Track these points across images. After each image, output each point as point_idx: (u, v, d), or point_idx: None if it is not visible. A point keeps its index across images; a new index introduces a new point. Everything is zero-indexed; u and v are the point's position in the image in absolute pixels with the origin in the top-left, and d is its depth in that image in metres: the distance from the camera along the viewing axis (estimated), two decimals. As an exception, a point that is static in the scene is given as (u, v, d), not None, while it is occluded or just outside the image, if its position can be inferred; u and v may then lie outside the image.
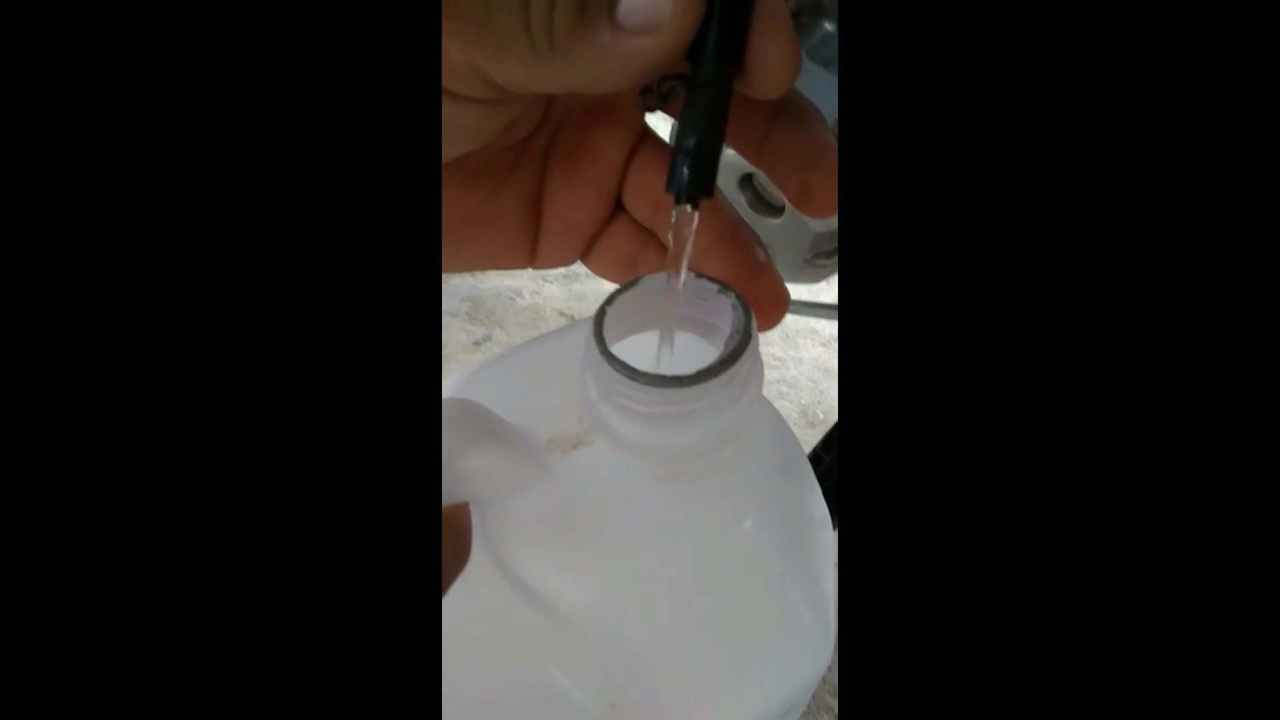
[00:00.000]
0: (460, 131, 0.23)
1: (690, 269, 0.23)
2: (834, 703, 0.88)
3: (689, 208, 0.22)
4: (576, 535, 0.24)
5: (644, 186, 0.27)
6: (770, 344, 1.27)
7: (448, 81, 0.21)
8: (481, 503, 0.24)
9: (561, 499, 0.24)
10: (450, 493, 0.22)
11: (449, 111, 0.22)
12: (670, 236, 0.22)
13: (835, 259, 0.72)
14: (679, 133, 0.22)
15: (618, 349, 0.22)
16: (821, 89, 0.63)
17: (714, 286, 0.23)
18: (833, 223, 0.68)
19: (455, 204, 0.26)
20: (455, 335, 1.36)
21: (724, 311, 0.23)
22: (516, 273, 1.37)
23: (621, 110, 0.27)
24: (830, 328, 1.31)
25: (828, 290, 1.20)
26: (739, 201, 0.70)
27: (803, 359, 1.30)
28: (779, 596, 0.25)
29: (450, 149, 0.23)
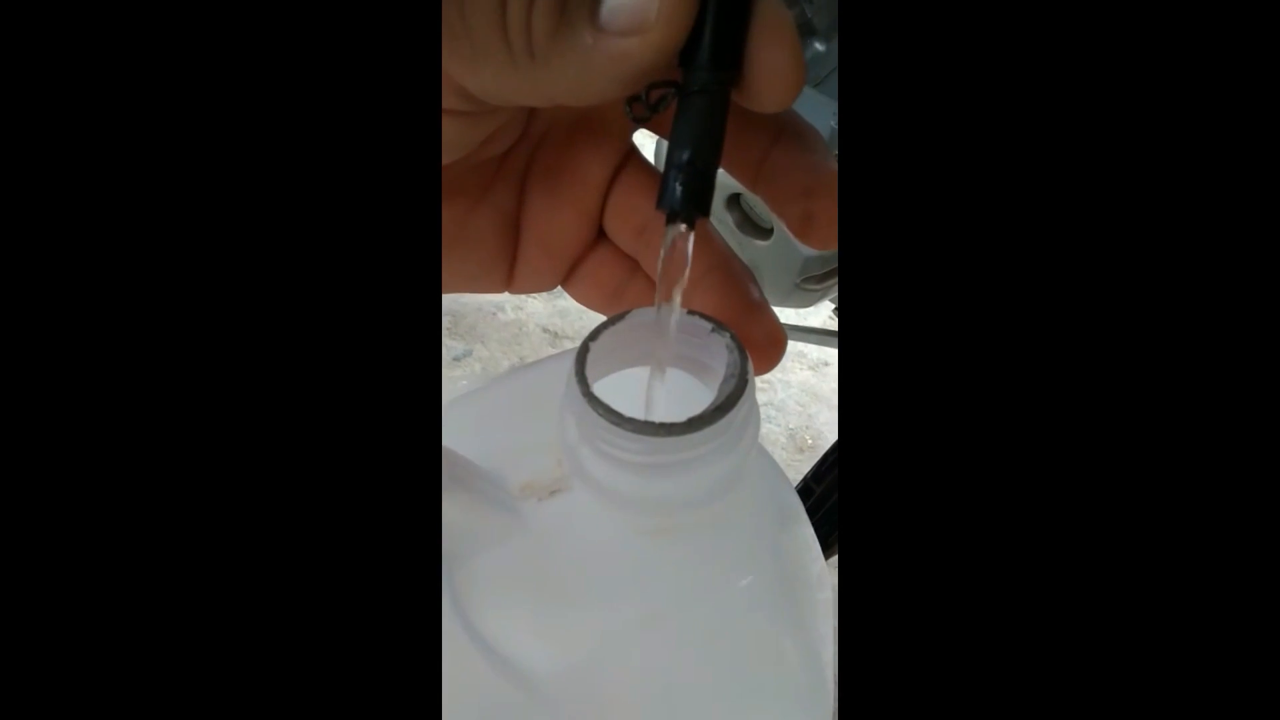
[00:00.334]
0: None
1: (680, 305, 0.22)
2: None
3: (683, 228, 0.21)
4: (553, 595, 0.23)
5: (627, 210, 0.26)
6: (756, 365, 1.26)
7: None
8: (446, 557, 0.23)
9: (537, 554, 0.23)
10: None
11: None
12: (660, 262, 0.21)
13: (826, 283, 0.71)
14: (671, 146, 0.20)
15: (603, 384, 0.22)
16: (812, 111, 0.62)
17: (707, 325, 0.22)
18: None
19: None
20: (434, 351, 1.34)
21: (718, 352, 0.22)
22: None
23: (606, 126, 0.26)
24: (818, 352, 1.32)
25: (815, 314, 1.21)
26: (725, 222, 0.69)
27: (790, 382, 1.31)
28: (776, 666, 0.24)
29: None
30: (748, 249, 0.69)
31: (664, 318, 0.22)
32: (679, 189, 0.20)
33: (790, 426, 1.24)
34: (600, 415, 0.20)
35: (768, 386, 1.28)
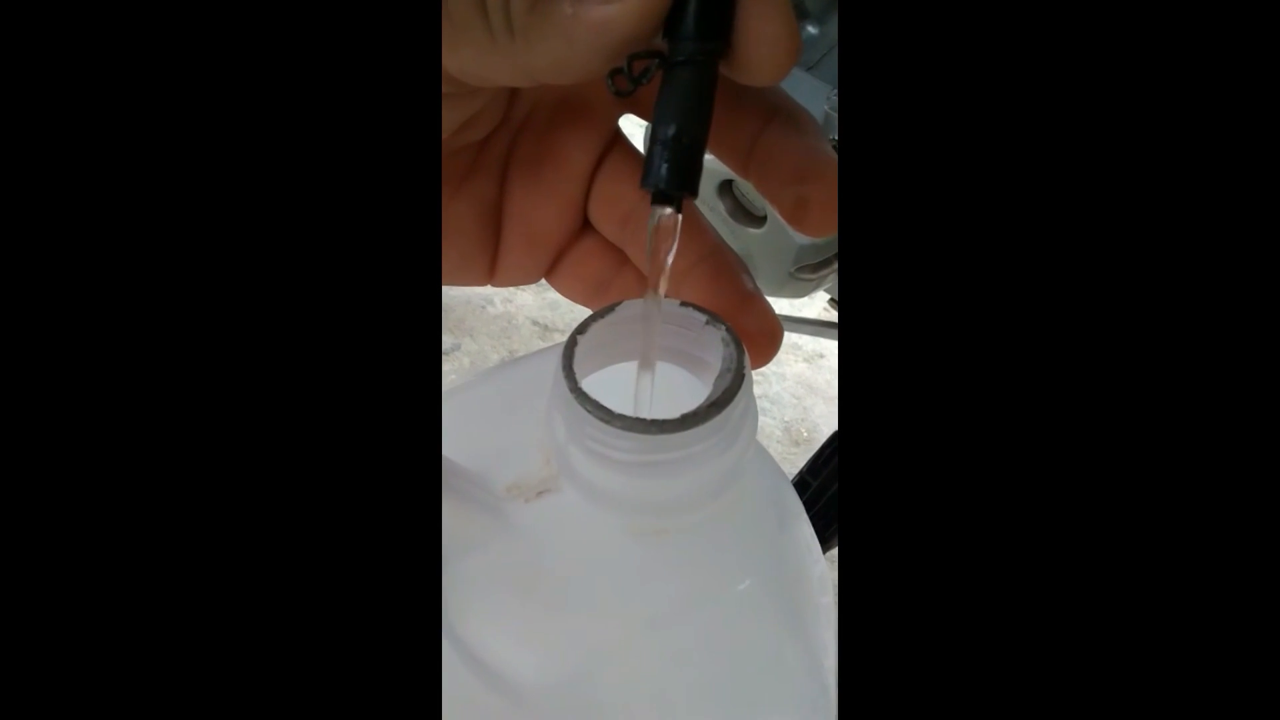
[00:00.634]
0: None
1: (670, 295, 0.21)
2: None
3: (669, 210, 0.20)
4: (540, 601, 0.22)
5: (613, 197, 0.25)
6: (749, 357, 1.27)
7: None
8: (430, 563, 0.22)
9: (523, 558, 0.23)
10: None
11: None
12: (648, 249, 0.20)
13: (821, 272, 0.71)
14: (655, 121, 0.19)
15: (592, 380, 0.21)
16: (804, 95, 0.62)
17: (701, 317, 0.21)
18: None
19: None
20: (424, 345, 1.34)
21: (713, 345, 0.21)
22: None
23: (591, 110, 0.25)
24: (814, 343, 1.32)
25: (810, 304, 1.21)
26: (718, 210, 0.69)
27: (785, 375, 1.31)
28: (776, 675, 0.23)
29: None
30: (740, 237, 0.69)
31: (653, 305, 0.21)
32: (664, 166, 0.19)
33: (785, 419, 1.24)
34: (589, 412, 0.20)
35: (762, 379, 1.28)
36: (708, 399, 0.20)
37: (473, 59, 0.19)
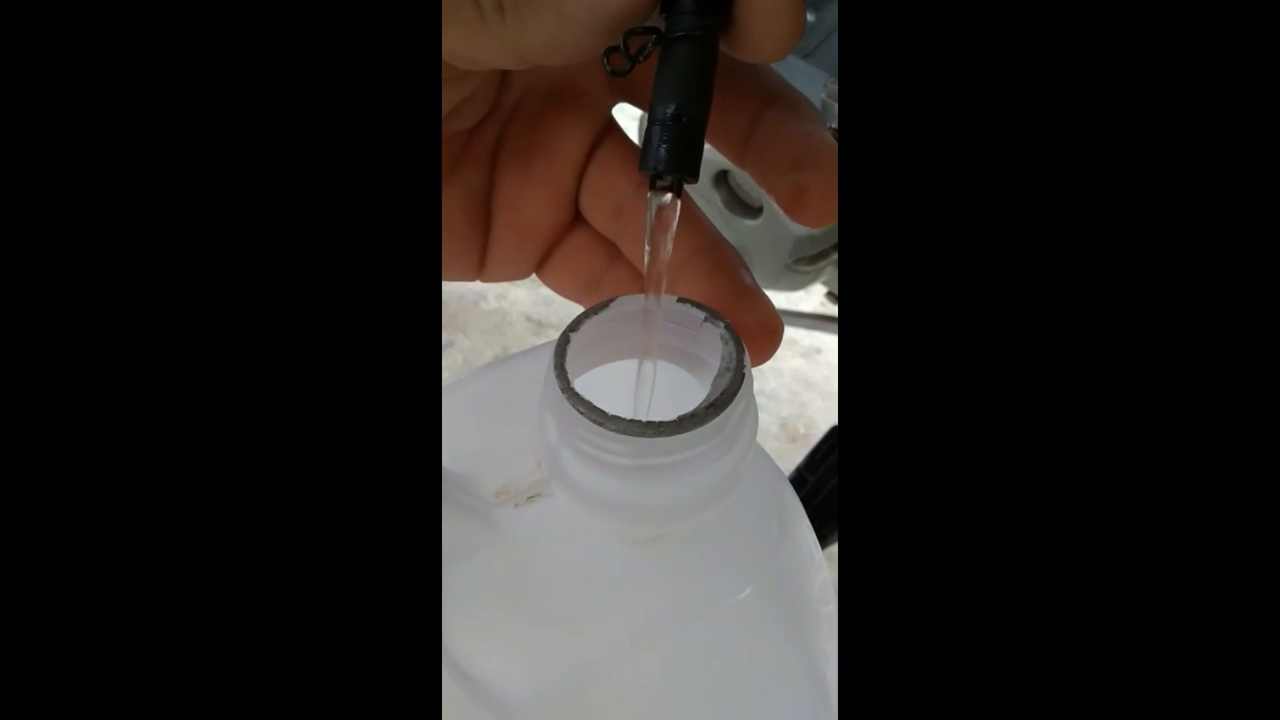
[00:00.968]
0: None
1: (665, 290, 0.21)
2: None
3: (668, 196, 0.19)
4: (531, 611, 0.22)
5: (605, 188, 0.25)
6: (746, 352, 1.29)
7: None
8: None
9: (513, 566, 0.22)
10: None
11: None
12: (646, 237, 0.20)
13: (817, 265, 0.70)
14: (654, 101, 0.19)
15: (586, 379, 0.21)
16: (801, 83, 0.61)
17: (700, 313, 0.21)
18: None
19: None
20: (416, 341, 1.35)
21: (711, 343, 0.21)
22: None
23: (583, 96, 0.24)
24: (810, 338, 1.32)
25: (807, 298, 1.21)
26: (713, 201, 0.69)
27: (782, 370, 1.31)
28: (777, 688, 0.23)
29: None
30: (736, 229, 0.69)
31: (651, 302, 0.21)
32: (663, 147, 0.19)
33: (782, 415, 1.25)
34: (582, 413, 0.19)
35: (759, 375, 1.28)
36: (706, 399, 0.19)
37: (462, 40, 0.19)
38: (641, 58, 0.19)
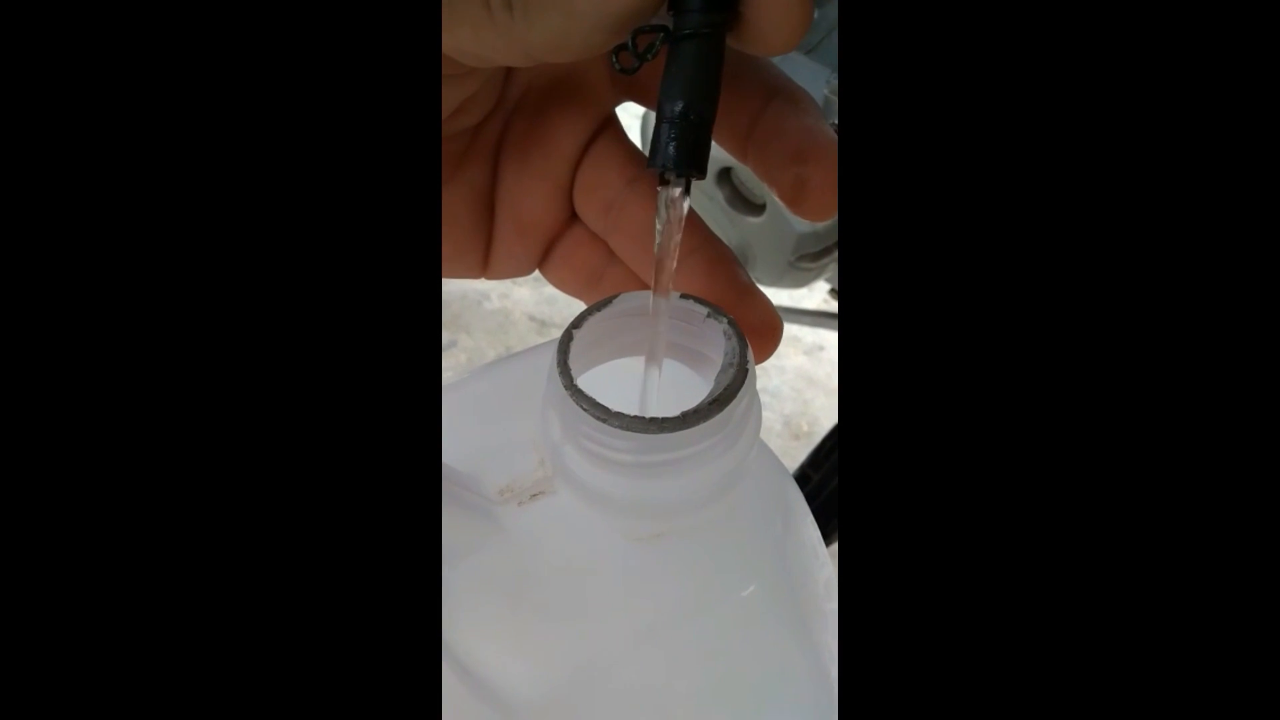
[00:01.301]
0: None
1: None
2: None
3: (677, 192, 0.19)
4: (534, 609, 0.22)
5: (596, 184, 0.25)
6: (749, 350, 1.29)
7: None
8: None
9: (516, 563, 0.22)
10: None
11: None
12: (656, 234, 0.20)
13: (821, 262, 0.70)
14: (662, 98, 0.19)
15: (589, 376, 0.21)
16: (803, 79, 0.61)
17: (702, 310, 0.21)
18: (818, 223, 0.66)
19: None
20: (419, 341, 1.35)
21: (714, 339, 0.21)
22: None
23: (584, 92, 0.24)
24: (813, 335, 1.32)
25: (810, 296, 1.21)
26: (716, 198, 0.68)
27: (785, 368, 1.31)
28: (781, 684, 0.23)
29: None
30: (739, 226, 0.69)
31: (658, 299, 0.21)
32: (671, 145, 0.19)
33: (785, 413, 1.24)
34: (585, 410, 0.19)
35: (762, 372, 1.28)
36: (709, 395, 0.19)
37: (469, 37, 0.19)
38: (649, 55, 0.19)
